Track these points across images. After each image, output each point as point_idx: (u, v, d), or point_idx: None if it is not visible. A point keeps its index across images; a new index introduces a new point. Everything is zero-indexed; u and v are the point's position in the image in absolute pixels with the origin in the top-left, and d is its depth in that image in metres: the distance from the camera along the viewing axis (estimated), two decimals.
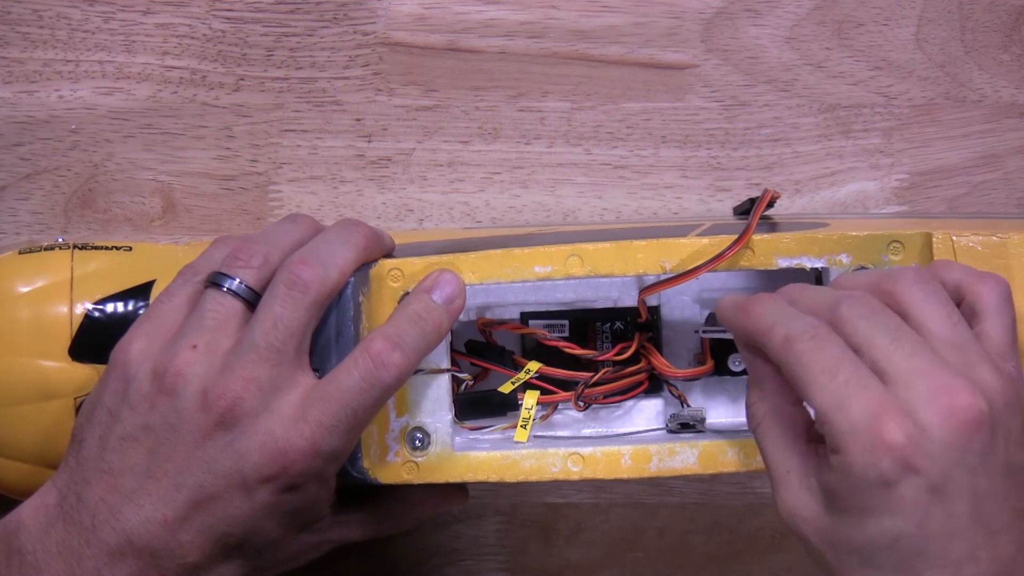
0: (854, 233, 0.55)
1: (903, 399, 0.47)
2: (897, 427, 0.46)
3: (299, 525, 0.54)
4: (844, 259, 0.55)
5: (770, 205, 0.59)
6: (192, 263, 0.55)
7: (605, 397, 0.59)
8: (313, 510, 0.54)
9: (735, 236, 0.55)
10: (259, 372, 0.52)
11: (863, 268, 0.55)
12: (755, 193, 0.69)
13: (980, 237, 0.55)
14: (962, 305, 0.51)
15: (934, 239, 0.55)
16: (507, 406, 0.59)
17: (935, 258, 0.55)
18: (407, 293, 0.55)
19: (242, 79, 0.69)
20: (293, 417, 0.52)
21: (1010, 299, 0.51)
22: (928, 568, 0.47)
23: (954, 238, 0.55)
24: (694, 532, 0.70)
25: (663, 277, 0.56)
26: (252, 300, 0.53)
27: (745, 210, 0.64)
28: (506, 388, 0.58)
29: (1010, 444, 0.48)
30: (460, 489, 0.59)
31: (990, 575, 0.47)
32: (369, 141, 0.69)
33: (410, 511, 0.59)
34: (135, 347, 0.53)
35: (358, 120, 0.69)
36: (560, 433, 0.60)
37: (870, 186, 0.70)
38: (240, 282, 0.53)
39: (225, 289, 0.53)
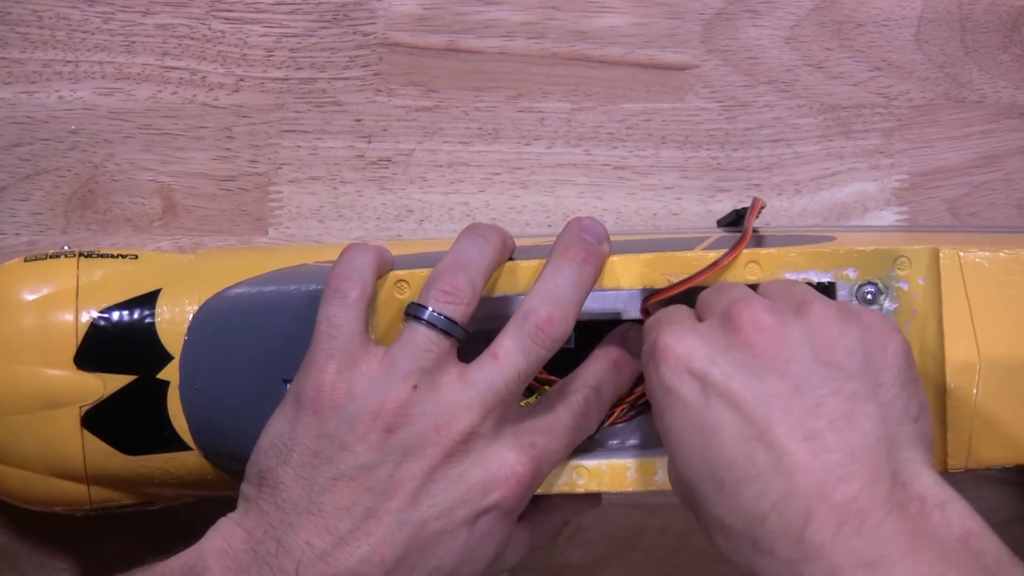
0: (861, 248, 0.55)
1: None
2: None
3: (497, 555, 0.54)
4: (851, 274, 0.55)
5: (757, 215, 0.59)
6: (338, 275, 0.53)
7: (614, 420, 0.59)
8: (505, 541, 0.54)
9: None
10: (495, 412, 0.52)
11: (870, 283, 0.55)
12: (754, 193, 0.69)
13: (987, 253, 0.55)
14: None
15: (941, 255, 0.55)
16: None
17: (942, 274, 0.55)
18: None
19: (242, 79, 0.68)
20: (520, 444, 0.53)
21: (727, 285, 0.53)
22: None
23: (960, 254, 0.55)
24: (694, 532, 0.70)
25: (661, 288, 0.56)
26: (461, 337, 0.53)
27: (730, 221, 0.64)
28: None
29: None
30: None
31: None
32: (369, 142, 0.69)
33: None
34: (330, 385, 0.51)
35: (358, 121, 0.69)
36: None
37: (870, 187, 0.70)
38: (452, 321, 0.52)
39: (439, 328, 0.52)
